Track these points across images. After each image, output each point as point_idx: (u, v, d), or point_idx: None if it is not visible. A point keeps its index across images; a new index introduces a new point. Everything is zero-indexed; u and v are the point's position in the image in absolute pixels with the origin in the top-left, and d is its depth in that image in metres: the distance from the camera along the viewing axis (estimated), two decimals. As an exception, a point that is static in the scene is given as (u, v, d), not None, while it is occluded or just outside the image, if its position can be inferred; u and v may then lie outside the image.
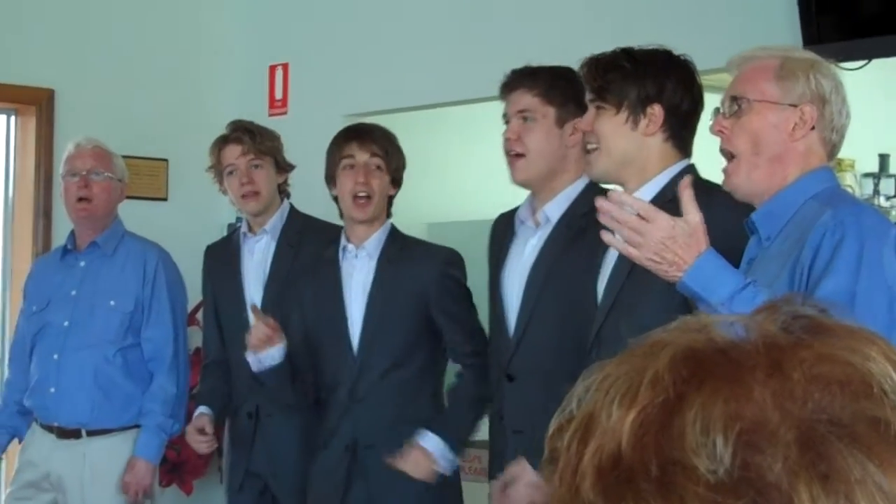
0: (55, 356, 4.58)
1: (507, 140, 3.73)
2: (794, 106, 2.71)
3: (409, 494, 3.98)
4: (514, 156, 3.70)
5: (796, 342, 0.75)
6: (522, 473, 3.50)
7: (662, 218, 2.60)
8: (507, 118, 3.77)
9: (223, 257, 4.67)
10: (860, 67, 4.16)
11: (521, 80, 3.72)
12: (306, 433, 4.26)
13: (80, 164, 4.66)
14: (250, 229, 4.61)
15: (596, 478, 0.74)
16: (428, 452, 3.93)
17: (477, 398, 3.96)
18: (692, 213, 2.60)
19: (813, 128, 2.72)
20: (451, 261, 4.09)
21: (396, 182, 4.12)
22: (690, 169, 3.21)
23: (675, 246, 2.59)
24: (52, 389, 4.57)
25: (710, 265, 2.59)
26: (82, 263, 4.68)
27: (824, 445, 0.70)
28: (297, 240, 4.53)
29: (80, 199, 4.62)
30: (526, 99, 3.69)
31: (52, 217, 5.94)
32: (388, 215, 4.17)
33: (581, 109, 3.49)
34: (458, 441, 3.99)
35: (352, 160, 4.05)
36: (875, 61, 4.27)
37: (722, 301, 2.54)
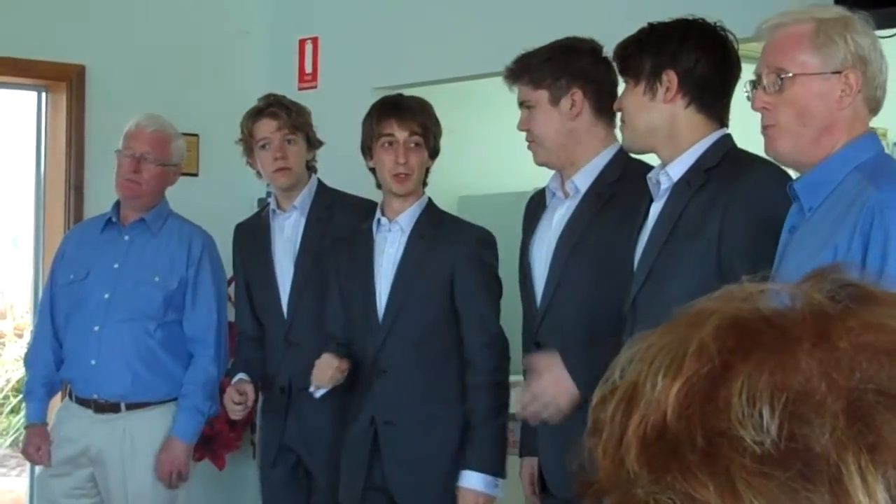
0: (96, 328, 4.58)
1: (522, 130, 3.79)
2: (838, 73, 2.66)
3: (426, 477, 3.99)
4: (529, 142, 3.75)
5: (843, 311, 0.74)
6: (552, 366, 3.47)
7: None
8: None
9: (253, 234, 4.67)
10: (891, 36, 4.11)
11: (511, 75, 3.76)
12: (339, 406, 4.26)
13: (137, 146, 4.63)
14: (279, 205, 4.60)
15: (640, 449, 0.73)
16: (477, 493, 3.96)
17: (495, 410, 3.97)
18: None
19: (859, 91, 2.67)
20: (483, 241, 4.07)
21: (434, 154, 4.12)
22: (726, 138, 3.19)
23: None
24: (93, 362, 4.57)
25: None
26: (126, 237, 4.66)
27: (872, 416, 0.69)
28: (327, 215, 4.53)
29: (128, 179, 4.61)
30: (521, 90, 3.75)
31: (83, 192, 5.96)
32: (424, 184, 4.16)
33: (577, 79, 3.61)
34: (496, 467, 3.99)
35: (391, 138, 4.05)
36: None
37: None
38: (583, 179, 3.67)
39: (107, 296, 4.59)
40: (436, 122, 4.12)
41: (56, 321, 4.71)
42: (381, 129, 4.06)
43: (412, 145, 4.04)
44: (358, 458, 4.10)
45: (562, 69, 3.64)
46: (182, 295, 4.64)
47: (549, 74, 3.66)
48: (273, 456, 4.52)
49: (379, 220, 4.13)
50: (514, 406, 3.92)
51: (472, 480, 3.96)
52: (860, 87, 2.66)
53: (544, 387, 3.47)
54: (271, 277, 4.55)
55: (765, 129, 2.75)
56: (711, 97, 3.20)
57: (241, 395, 4.41)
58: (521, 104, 3.74)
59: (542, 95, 3.67)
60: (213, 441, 5.75)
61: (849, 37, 2.66)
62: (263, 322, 4.59)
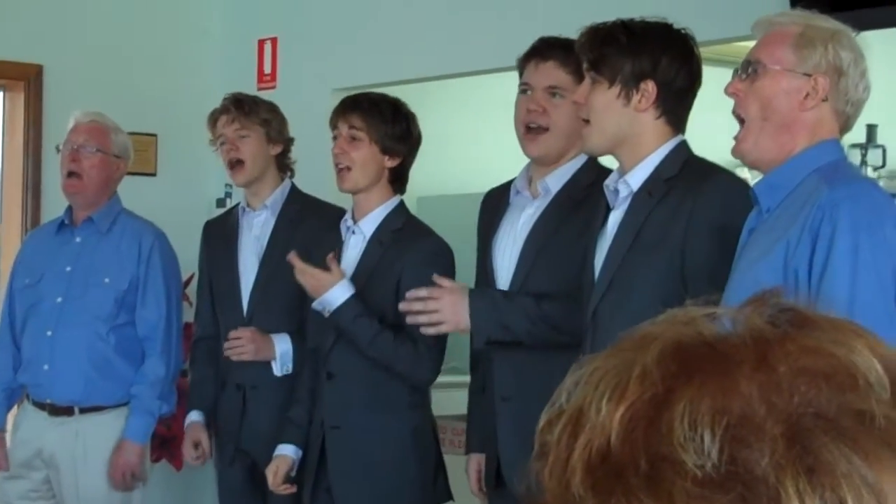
0: (48, 333, 4.56)
1: (528, 112, 3.63)
2: (808, 75, 2.69)
3: (369, 484, 3.97)
4: (533, 129, 3.62)
5: (783, 335, 0.75)
6: (456, 292, 3.53)
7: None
8: (527, 88, 3.67)
9: (221, 232, 4.67)
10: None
11: (555, 52, 3.61)
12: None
13: (74, 138, 4.62)
14: (249, 204, 4.60)
15: (585, 473, 0.74)
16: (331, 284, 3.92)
17: (397, 344, 3.89)
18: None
19: (826, 99, 2.69)
20: (436, 252, 3.98)
21: (390, 152, 4.01)
22: (683, 145, 3.20)
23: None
24: (46, 366, 4.55)
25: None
26: (77, 239, 4.65)
27: (810, 439, 0.71)
28: (298, 217, 4.52)
29: (70, 175, 4.60)
30: (558, 75, 3.61)
31: (41, 193, 5.93)
32: (399, 189, 4.09)
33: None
34: (352, 306, 3.92)
35: (336, 131, 4.04)
36: (863, 33, 4.27)
37: None
38: (555, 180, 3.63)
39: (59, 300, 4.57)
40: (389, 120, 4.00)
41: (14, 326, 4.69)
42: (332, 124, 4.05)
43: (351, 138, 3.99)
44: (310, 462, 4.08)
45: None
46: (134, 295, 4.61)
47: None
48: (230, 455, 4.51)
49: (346, 222, 4.12)
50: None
51: (341, 288, 3.92)
52: (826, 95, 2.69)
53: (441, 305, 3.52)
54: (234, 273, 4.55)
55: (737, 132, 2.79)
56: (682, 109, 3.19)
57: (196, 450, 4.53)
58: (548, 87, 3.61)
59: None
60: (170, 442, 5.74)
61: (831, 46, 2.69)
62: (220, 317, 4.57)
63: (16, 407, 4.77)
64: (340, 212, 4.35)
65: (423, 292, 3.57)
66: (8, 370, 4.66)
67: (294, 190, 4.61)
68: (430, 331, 3.58)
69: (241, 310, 4.50)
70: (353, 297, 3.92)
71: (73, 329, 4.55)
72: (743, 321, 0.77)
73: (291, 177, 4.63)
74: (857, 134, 7.05)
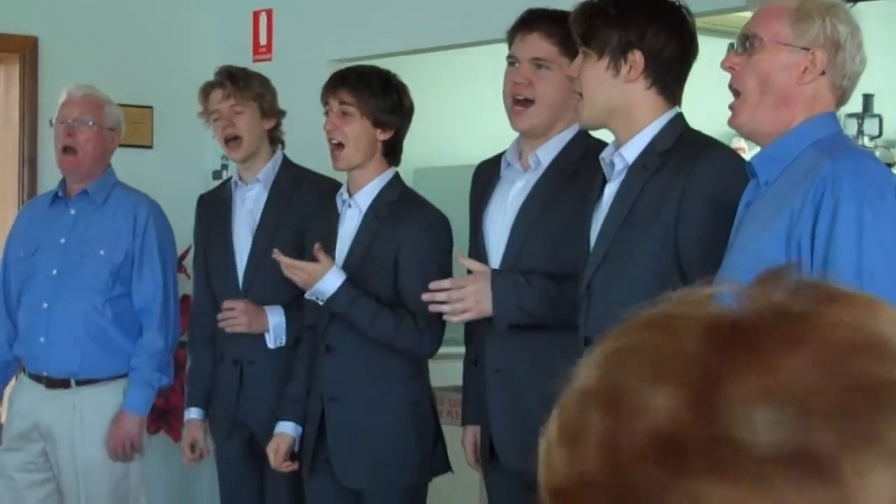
0: (44, 305, 4.57)
1: (514, 84, 3.64)
2: (806, 49, 2.70)
3: (367, 456, 3.98)
4: (520, 101, 3.63)
5: (811, 312, 0.76)
6: (479, 278, 3.55)
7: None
8: (514, 60, 3.67)
9: (215, 206, 4.66)
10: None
11: (539, 23, 3.62)
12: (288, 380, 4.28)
13: (67, 112, 4.62)
14: (241, 178, 4.60)
15: (642, 454, 0.74)
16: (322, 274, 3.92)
17: (397, 319, 3.91)
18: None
19: (823, 73, 2.70)
20: (433, 224, 4.00)
21: (382, 125, 4.01)
22: (679, 118, 3.20)
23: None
24: (42, 339, 4.56)
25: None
26: (72, 211, 4.65)
27: (862, 412, 0.72)
28: (290, 190, 4.52)
29: (66, 149, 4.59)
30: (543, 46, 3.61)
31: (37, 165, 5.92)
32: (393, 161, 4.09)
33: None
34: (349, 290, 3.93)
35: (327, 108, 4.04)
36: (858, 4, 4.27)
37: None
38: (546, 153, 3.63)
39: (54, 272, 4.58)
40: (380, 93, 3.99)
41: (9, 299, 4.70)
42: (323, 100, 4.06)
43: (342, 114, 3.99)
44: (309, 434, 4.11)
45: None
46: (130, 267, 4.62)
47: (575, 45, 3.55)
48: (227, 429, 4.53)
49: (342, 195, 4.12)
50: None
51: (333, 275, 3.93)
52: (825, 68, 2.70)
53: (465, 293, 3.55)
54: (228, 248, 4.55)
55: (732, 101, 2.80)
56: (673, 79, 3.19)
57: (192, 452, 4.59)
58: (533, 59, 3.62)
59: (565, 63, 3.48)
60: (168, 413, 5.75)
61: (828, 19, 2.70)
62: (216, 292, 4.57)
63: (13, 379, 4.78)
64: (333, 183, 4.37)
65: (446, 283, 3.59)
66: (2, 343, 4.66)
67: (286, 162, 4.60)
68: (455, 319, 3.60)
69: (237, 284, 4.51)
70: (346, 282, 3.92)
71: (69, 301, 4.55)
72: (761, 299, 0.77)
73: (283, 149, 4.63)
74: (853, 104, 7.03)
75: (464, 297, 3.54)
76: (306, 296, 3.99)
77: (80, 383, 4.56)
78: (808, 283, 0.78)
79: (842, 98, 2.78)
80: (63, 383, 4.56)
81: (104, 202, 4.65)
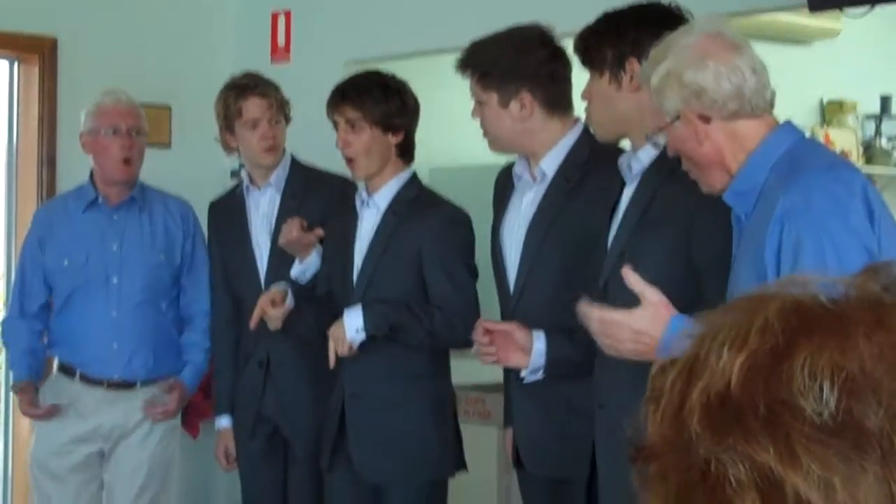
0: (113, 314, 4.60)
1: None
2: (678, 118, 2.71)
3: (387, 454, 4.02)
4: (483, 134, 3.73)
5: None
6: (515, 331, 3.51)
7: (620, 316, 2.72)
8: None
9: (229, 212, 4.68)
10: (864, 14, 4.16)
11: (461, 66, 3.70)
12: (318, 378, 4.30)
13: (122, 122, 4.58)
14: (253, 182, 4.61)
15: (703, 414, 0.80)
16: (343, 324, 3.96)
17: (430, 324, 3.95)
18: (648, 293, 2.69)
19: (707, 120, 2.69)
20: (454, 220, 4.05)
21: (392, 128, 4.06)
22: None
23: (644, 335, 2.68)
24: (115, 345, 4.59)
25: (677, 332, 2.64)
26: (115, 217, 4.65)
27: None
28: (302, 191, 4.54)
29: (126, 161, 4.57)
30: (471, 84, 3.70)
31: (55, 165, 5.95)
32: (408, 159, 4.14)
33: (525, 82, 3.57)
34: (373, 327, 3.96)
35: (335, 125, 4.10)
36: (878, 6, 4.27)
37: None
38: (549, 164, 3.66)
39: (115, 280, 4.60)
40: (383, 99, 4.04)
41: (30, 300, 4.68)
42: (332, 117, 4.11)
43: (350, 128, 4.04)
44: (330, 431, 4.14)
45: (510, 73, 3.59)
46: (182, 268, 4.70)
47: (496, 78, 3.60)
48: (250, 428, 4.56)
49: (361, 195, 4.15)
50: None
51: (349, 313, 3.97)
52: (704, 115, 2.68)
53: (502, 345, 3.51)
54: (249, 254, 4.57)
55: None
56: None
57: (226, 461, 4.67)
58: (473, 96, 3.69)
59: (492, 97, 3.62)
60: (187, 409, 5.77)
61: (671, 81, 2.69)
62: (242, 297, 4.59)
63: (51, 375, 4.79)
64: (343, 180, 4.44)
65: (499, 327, 3.57)
66: (24, 332, 4.68)
67: (294, 163, 4.62)
68: (489, 360, 3.58)
69: (260, 288, 4.50)
70: (364, 312, 3.96)
71: (139, 308, 4.62)
72: (857, 287, 0.82)
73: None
74: (870, 105, 7.04)
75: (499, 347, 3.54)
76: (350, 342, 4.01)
77: (144, 384, 4.64)
78: None
79: (754, 109, 2.69)
80: (128, 385, 4.62)
81: (147, 206, 4.68)
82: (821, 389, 0.76)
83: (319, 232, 4.27)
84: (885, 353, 0.77)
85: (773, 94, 2.75)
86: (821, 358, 0.77)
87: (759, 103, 2.70)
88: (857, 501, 0.75)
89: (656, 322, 2.66)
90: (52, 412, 4.59)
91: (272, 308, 4.21)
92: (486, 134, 3.71)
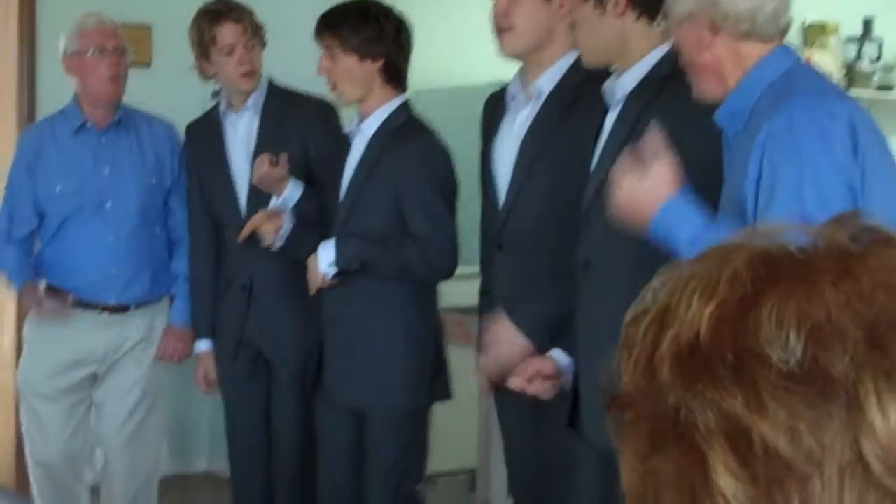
0: (110, 237, 4.58)
1: (495, 15, 3.71)
2: (689, 22, 2.73)
3: (361, 382, 4.06)
4: (502, 30, 3.69)
5: (864, 252, 0.82)
6: (501, 330, 3.55)
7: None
8: None
9: (206, 135, 4.65)
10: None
11: None
12: (301, 304, 4.31)
13: (107, 42, 4.55)
14: (230, 106, 4.59)
15: (673, 362, 0.81)
16: (318, 257, 4.01)
17: (403, 258, 3.97)
18: (662, 155, 2.69)
19: (718, 32, 2.71)
20: (429, 152, 4.05)
21: (370, 56, 4.04)
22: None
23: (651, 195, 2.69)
24: (114, 270, 4.59)
25: (675, 209, 2.65)
26: (103, 140, 4.63)
27: (888, 344, 0.78)
28: (280, 114, 4.52)
29: (114, 78, 4.54)
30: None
31: (35, 86, 5.91)
32: (400, 87, 4.12)
33: None
34: (345, 258, 4.00)
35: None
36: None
37: (684, 244, 2.59)
38: (546, 82, 3.67)
39: (109, 204, 4.58)
40: (360, 25, 4.03)
41: (17, 225, 4.64)
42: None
43: (329, 57, 4.05)
44: (314, 350, 4.19)
45: None
46: (172, 191, 4.70)
47: None
48: (233, 351, 4.58)
49: (353, 124, 4.16)
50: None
51: (323, 252, 4.02)
52: (717, 28, 2.69)
53: (499, 353, 3.57)
54: (228, 177, 4.56)
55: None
56: (660, 6, 3.22)
57: (206, 384, 4.68)
58: None
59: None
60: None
61: None
62: (221, 221, 4.58)
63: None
64: (322, 102, 4.44)
65: (485, 365, 3.64)
66: (22, 257, 4.66)
67: (272, 86, 4.59)
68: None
69: (239, 211, 4.51)
70: (336, 247, 4.00)
71: (135, 232, 4.61)
72: (825, 237, 0.84)
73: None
74: (852, 26, 7.04)
75: (497, 356, 3.58)
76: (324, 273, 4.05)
77: (139, 306, 4.65)
78: (871, 227, 0.84)
79: (771, 32, 2.72)
80: (123, 308, 4.63)
81: (133, 129, 4.65)
82: (787, 338, 0.78)
83: (285, 162, 4.24)
84: (852, 302, 0.79)
85: (789, 22, 2.78)
86: (788, 307, 0.79)
87: (770, 29, 2.73)
88: (823, 447, 0.76)
89: (653, 188, 2.68)
90: (60, 310, 4.59)
91: (268, 222, 4.25)
92: (508, 28, 3.66)
